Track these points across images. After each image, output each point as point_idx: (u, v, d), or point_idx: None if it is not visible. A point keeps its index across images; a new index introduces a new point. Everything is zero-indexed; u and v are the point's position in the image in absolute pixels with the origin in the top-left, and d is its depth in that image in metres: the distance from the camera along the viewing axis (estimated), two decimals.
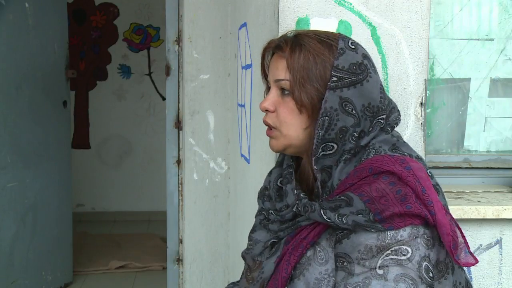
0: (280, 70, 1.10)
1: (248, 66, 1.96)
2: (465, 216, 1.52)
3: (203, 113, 2.60)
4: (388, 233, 0.97)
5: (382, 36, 1.49)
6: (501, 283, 1.58)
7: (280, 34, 1.43)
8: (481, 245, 1.56)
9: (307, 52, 1.07)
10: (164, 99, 4.52)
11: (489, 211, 1.52)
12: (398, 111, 1.15)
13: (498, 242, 1.57)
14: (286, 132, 1.11)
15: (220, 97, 2.59)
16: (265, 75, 1.21)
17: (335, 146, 1.07)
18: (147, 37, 5.02)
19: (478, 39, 1.71)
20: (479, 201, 1.57)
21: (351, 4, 1.47)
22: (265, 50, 1.18)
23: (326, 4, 1.46)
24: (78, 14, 4.92)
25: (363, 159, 1.06)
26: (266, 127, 1.17)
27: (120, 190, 5.05)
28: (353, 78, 1.06)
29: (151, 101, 5.04)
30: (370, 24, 1.48)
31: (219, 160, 2.62)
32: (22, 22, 2.93)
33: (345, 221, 0.99)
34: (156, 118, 5.00)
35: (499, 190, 1.69)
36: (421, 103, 1.53)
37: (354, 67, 1.07)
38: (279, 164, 1.24)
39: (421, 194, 0.98)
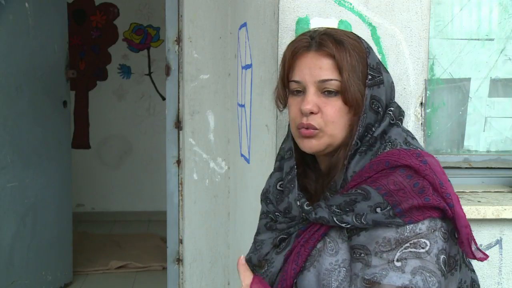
0: (325, 70, 1.08)
1: (248, 66, 1.96)
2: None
3: (203, 113, 2.59)
4: (407, 227, 0.99)
5: (382, 36, 1.49)
6: (501, 283, 1.58)
7: (280, 34, 1.42)
8: (481, 245, 1.56)
9: (351, 51, 1.08)
10: (164, 99, 4.52)
11: (489, 211, 1.52)
12: (396, 102, 1.17)
13: (498, 242, 1.57)
14: (331, 132, 1.09)
15: (220, 97, 2.58)
16: (286, 76, 1.15)
17: (359, 142, 1.08)
18: (147, 37, 5.01)
19: (478, 39, 1.71)
20: (479, 201, 1.57)
21: (351, 4, 1.47)
22: (294, 50, 1.12)
23: (326, 4, 1.45)
24: (78, 14, 4.92)
25: (379, 152, 1.07)
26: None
27: (120, 190, 5.05)
28: (380, 76, 1.10)
29: (151, 101, 5.04)
30: (370, 24, 1.48)
31: (219, 160, 2.61)
32: (22, 22, 2.93)
33: (365, 222, 1.00)
34: (156, 118, 4.99)
35: (499, 190, 1.69)
36: (421, 103, 1.53)
37: (379, 66, 1.11)
38: (277, 169, 1.22)
39: (439, 187, 1.00)
